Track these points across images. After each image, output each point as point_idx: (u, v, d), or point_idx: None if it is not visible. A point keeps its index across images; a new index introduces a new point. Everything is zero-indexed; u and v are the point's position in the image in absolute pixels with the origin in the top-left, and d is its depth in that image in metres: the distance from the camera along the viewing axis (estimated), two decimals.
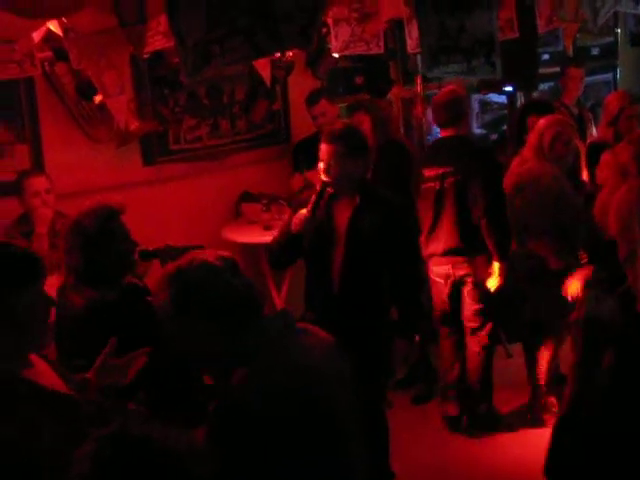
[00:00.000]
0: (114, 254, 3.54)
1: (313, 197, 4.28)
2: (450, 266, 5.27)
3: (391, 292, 4.41)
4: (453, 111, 5.11)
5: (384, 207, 4.31)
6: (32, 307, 2.45)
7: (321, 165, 4.24)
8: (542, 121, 5.30)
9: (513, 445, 5.32)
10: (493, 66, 2.68)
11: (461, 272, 5.27)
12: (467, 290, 5.30)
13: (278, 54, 4.67)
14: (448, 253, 5.23)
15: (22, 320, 2.43)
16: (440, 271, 5.32)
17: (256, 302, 2.37)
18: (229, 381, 2.27)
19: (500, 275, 5.14)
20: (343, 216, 4.28)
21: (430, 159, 5.41)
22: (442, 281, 5.33)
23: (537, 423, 5.40)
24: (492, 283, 5.20)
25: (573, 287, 5.06)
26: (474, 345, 5.41)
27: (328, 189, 4.27)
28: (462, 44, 2.63)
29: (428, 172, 5.25)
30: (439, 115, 5.26)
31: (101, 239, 3.48)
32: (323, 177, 4.24)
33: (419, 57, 6.74)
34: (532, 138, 5.29)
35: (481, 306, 5.29)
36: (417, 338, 5.48)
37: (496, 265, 5.15)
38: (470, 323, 5.37)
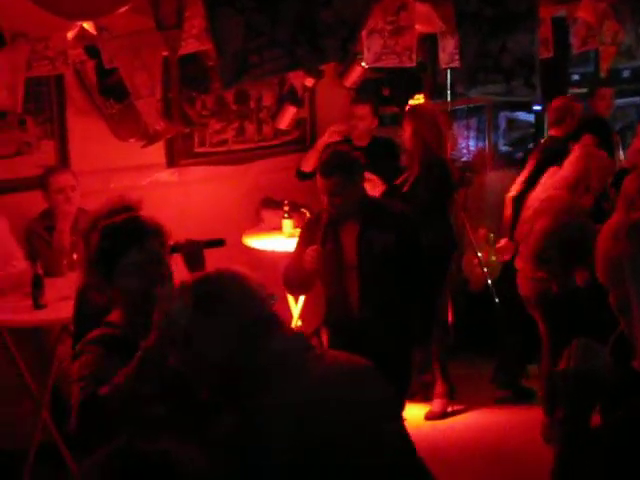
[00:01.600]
0: None
1: (320, 233, 4.26)
2: None
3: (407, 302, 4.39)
4: (558, 114, 6.10)
5: (391, 221, 4.30)
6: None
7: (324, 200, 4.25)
8: (586, 156, 5.21)
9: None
10: (532, 88, 2.64)
11: None
12: None
13: None
14: None
15: None
16: None
17: (277, 318, 2.32)
18: (237, 405, 2.19)
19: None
20: (351, 239, 4.26)
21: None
22: None
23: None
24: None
25: None
26: None
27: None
28: (502, 64, 2.60)
29: None
30: (550, 115, 6.24)
31: None
32: (329, 209, 4.25)
33: (449, 72, 6.75)
34: (570, 170, 5.20)
35: None
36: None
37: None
38: None
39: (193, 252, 3.65)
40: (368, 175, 5.55)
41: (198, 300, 2.23)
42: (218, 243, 3.75)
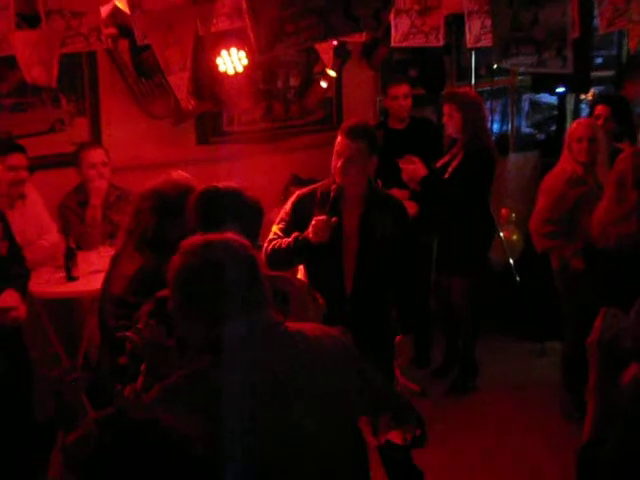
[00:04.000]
0: (184, 226, 3.44)
1: (328, 205, 4.06)
2: None
3: (395, 289, 4.25)
4: None
5: (390, 205, 4.17)
6: None
7: (339, 163, 4.03)
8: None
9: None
10: (564, 60, 2.59)
11: None
12: None
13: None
14: None
15: None
16: None
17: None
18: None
19: None
20: (352, 215, 4.11)
21: None
22: None
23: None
24: None
25: None
26: None
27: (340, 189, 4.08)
28: (534, 36, 2.55)
29: None
30: None
31: (180, 209, 3.34)
32: (339, 178, 4.04)
33: (473, 54, 6.68)
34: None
35: None
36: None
37: None
38: None
39: None
40: (411, 158, 5.48)
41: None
42: None
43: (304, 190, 4.27)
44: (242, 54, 5.04)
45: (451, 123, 5.59)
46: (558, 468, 4.81)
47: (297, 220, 4.11)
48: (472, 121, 5.51)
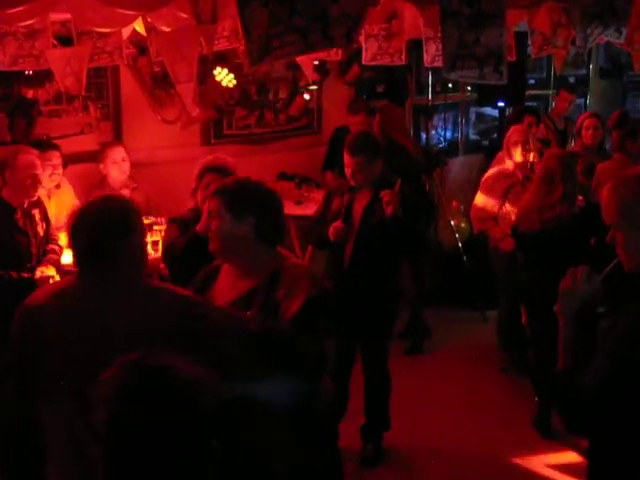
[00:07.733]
0: None
1: (343, 208, 4.13)
2: None
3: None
4: None
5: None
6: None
7: (348, 172, 4.11)
8: None
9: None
10: (500, 74, 2.62)
11: None
12: None
13: (325, 54, 4.56)
14: None
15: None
16: None
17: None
18: None
19: None
20: (360, 205, 4.14)
21: None
22: None
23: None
24: None
25: None
26: None
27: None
28: (476, 53, 2.58)
29: None
30: None
31: None
32: (350, 181, 4.12)
33: (430, 74, 6.69)
34: None
35: None
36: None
37: None
38: None
39: None
40: None
41: None
42: None
43: (334, 184, 4.48)
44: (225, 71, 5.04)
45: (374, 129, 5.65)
46: (491, 407, 4.98)
47: (327, 206, 4.31)
48: (383, 125, 5.65)
